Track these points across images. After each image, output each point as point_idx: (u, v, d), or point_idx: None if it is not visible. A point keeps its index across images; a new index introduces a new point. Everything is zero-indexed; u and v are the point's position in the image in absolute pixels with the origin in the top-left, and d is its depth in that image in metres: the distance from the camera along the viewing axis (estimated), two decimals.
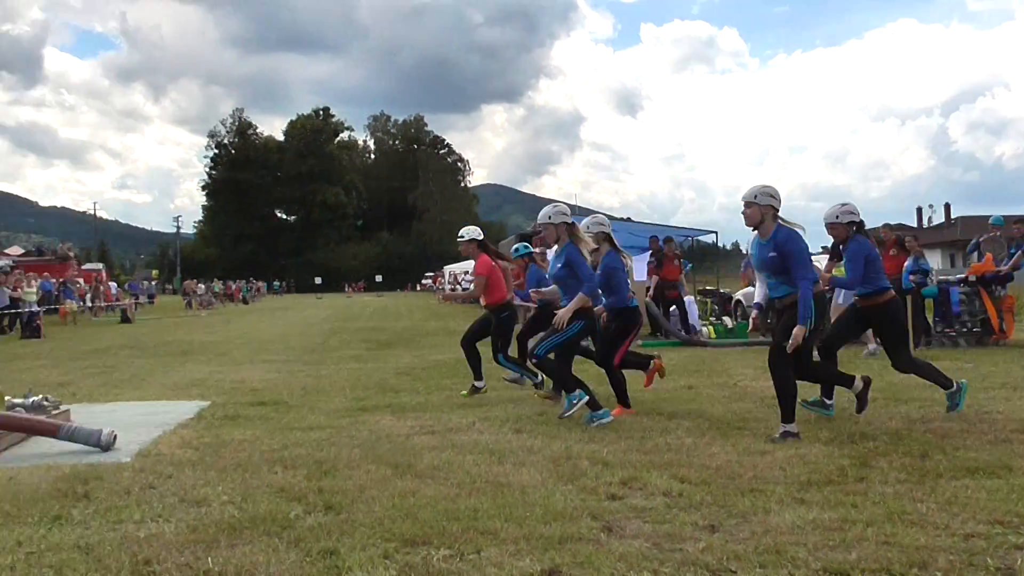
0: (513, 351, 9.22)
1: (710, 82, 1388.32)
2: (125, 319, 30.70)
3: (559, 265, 7.45)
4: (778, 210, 6.55)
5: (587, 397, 7.23)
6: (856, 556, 3.71)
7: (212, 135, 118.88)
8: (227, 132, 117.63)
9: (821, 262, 11.23)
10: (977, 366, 10.64)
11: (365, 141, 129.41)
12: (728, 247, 57.30)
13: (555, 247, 7.67)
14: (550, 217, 7.51)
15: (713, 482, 5.07)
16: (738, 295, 19.21)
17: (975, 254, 16.05)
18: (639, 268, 15.85)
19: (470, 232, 9.29)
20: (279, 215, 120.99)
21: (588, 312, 7.36)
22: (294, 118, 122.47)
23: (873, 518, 4.25)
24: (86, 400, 9.61)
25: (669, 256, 17.12)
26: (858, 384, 6.93)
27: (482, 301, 9.31)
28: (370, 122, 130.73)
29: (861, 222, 7.30)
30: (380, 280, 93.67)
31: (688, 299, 17.53)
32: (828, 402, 7.22)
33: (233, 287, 62.78)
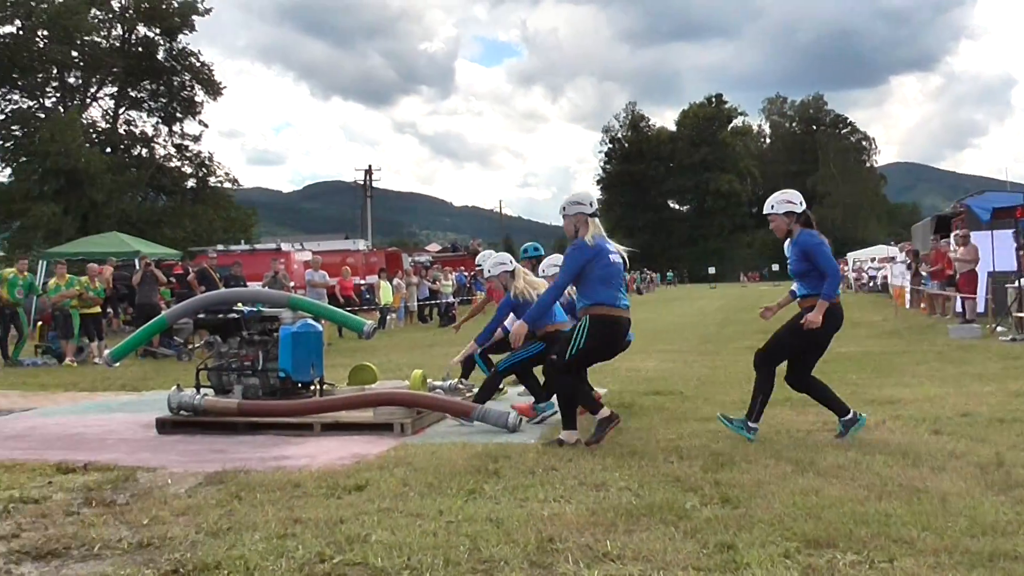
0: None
1: None
2: None
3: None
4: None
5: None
6: None
7: (606, 130, 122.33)
8: (620, 126, 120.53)
9: None
10: None
11: (759, 126, 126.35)
12: None
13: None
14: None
15: None
16: None
17: None
18: None
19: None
20: (671, 205, 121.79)
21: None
22: (686, 107, 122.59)
23: None
24: None
25: None
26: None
27: None
28: (765, 106, 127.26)
29: (804, 212, 6.39)
30: (776, 269, 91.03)
31: None
32: (752, 426, 6.31)
33: (627, 278, 64.29)
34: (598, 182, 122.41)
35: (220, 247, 28.43)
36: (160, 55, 47.68)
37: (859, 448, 5.84)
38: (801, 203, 6.40)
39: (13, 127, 44.14)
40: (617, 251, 6.62)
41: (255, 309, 8.31)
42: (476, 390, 8.14)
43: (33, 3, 43.45)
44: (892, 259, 35.43)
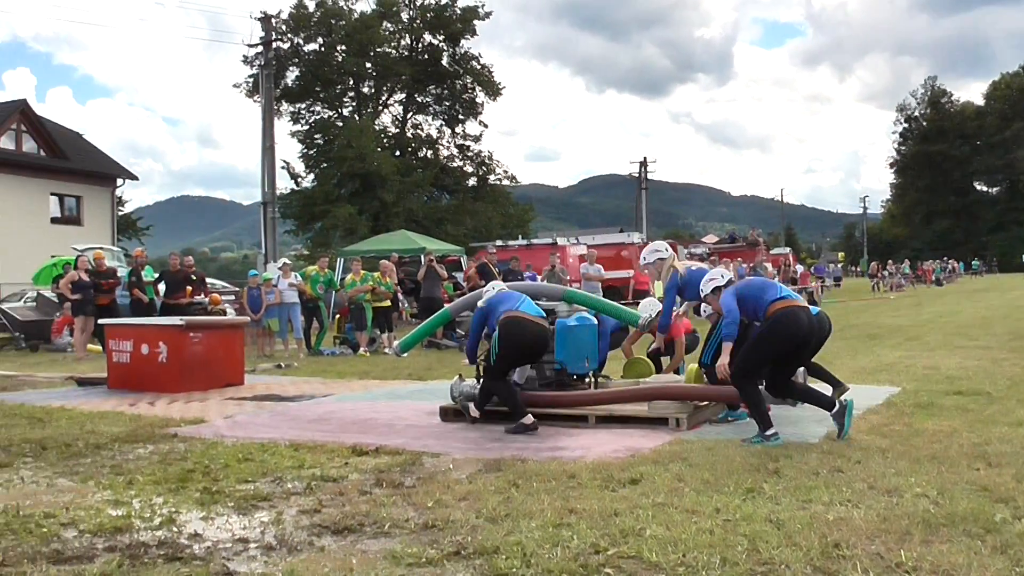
0: None
1: None
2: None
3: None
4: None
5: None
6: None
7: (901, 109, 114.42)
8: (917, 103, 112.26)
9: None
10: None
11: None
12: None
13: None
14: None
15: None
16: None
17: None
18: None
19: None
20: (978, 187, 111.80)
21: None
22: (996, 79, 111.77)
23: None
24: None
25: None
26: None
27: None
28: None
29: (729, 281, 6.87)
30: None
31: None
32: (769, 433, 6.16)
33: (925, 267, 60.13)
34: (891, 165, 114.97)
35: (499, 242, 29.47)
36: (444, 61, 50.15)
37: None
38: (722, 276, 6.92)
39: (315, 136, 48.13)
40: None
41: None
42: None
43: (333, 21, 47.16)
44: None
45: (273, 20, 32.11)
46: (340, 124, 47.93)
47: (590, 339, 8.26)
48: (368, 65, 48.33)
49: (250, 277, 17.10)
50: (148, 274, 16.97)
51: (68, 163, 37.03)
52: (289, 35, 46.32)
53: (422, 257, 20.01)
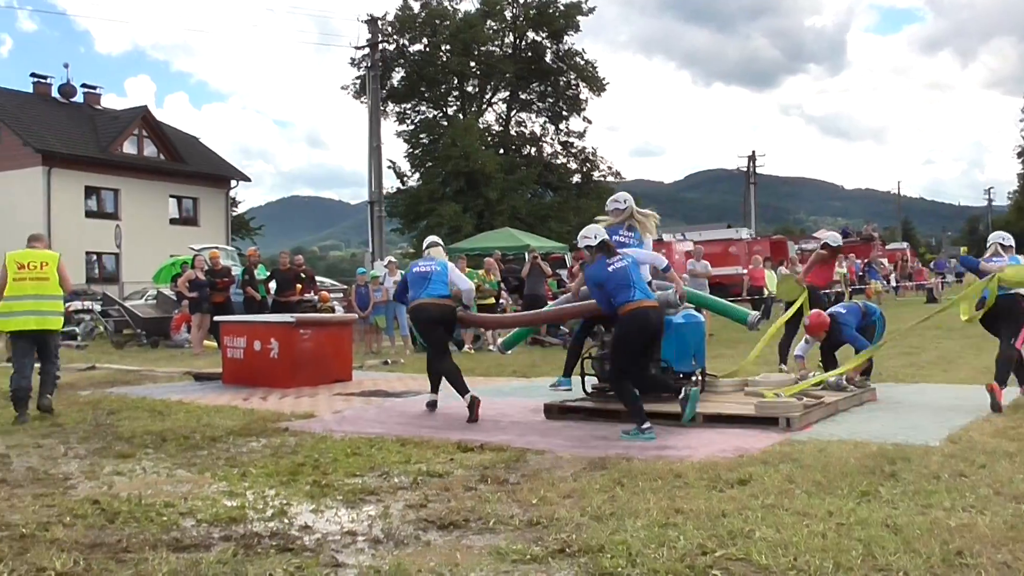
0: None
1: None
2: (931, 299, 30.18)
3: None
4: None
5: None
6: None
7: None
8: None
9: None
10: None
11: None
12: None
13: None
14: None
15: None
16: None
17: None
18: None
19: None
20: None
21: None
22: None
23: None
24: (891, 380, 9.62)
25: None
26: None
27: None
28: None
29: (602, 242, 7.21)
30: None
31: None
32: (645, 427, 6.62)
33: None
34: (1019, 154, 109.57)
35: None
36: (548, 57, 50.11)
37: None
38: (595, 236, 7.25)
39: (421, 135, 48.71)
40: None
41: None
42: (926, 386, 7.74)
43: (437, 21, 47.66)
44: None
45: (379, 22, 32.66)
46: (445, 123, 48.40)
47: (697, 337, 8.14)
48: (472, 64, 48.65)
49: (358, 275, 17.43)
50: (260, 273, 17.48)
51: (185, 166, 38.48)
52: (395, 36, 46.98)
53: (526, 254, 20.06)
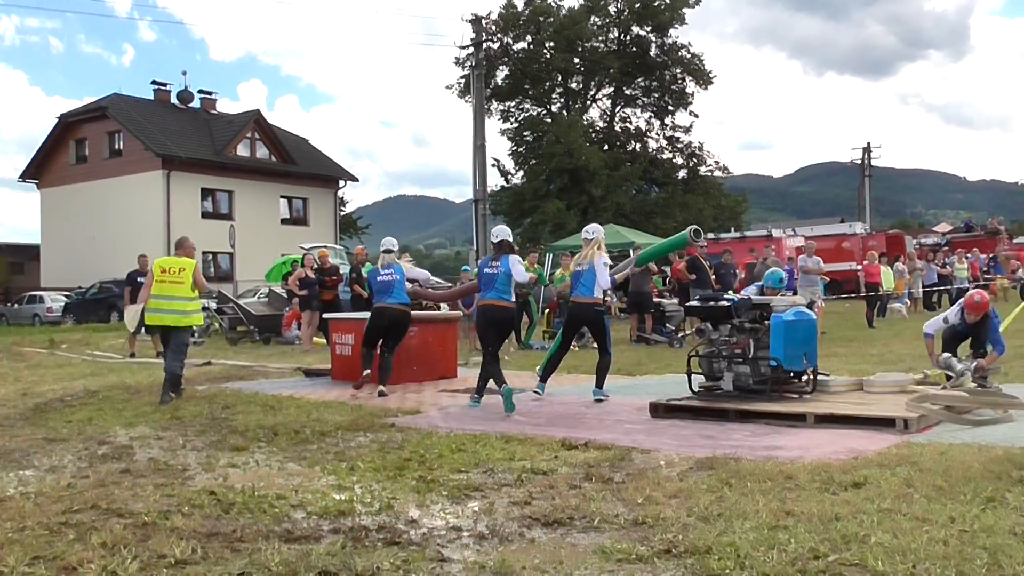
0: None
1: None
2: None
3: None
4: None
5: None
6: None
7: None
8: None
9: None
10: None
11: None
12: None
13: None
14: None
15: None
16: None
17: None
18: None
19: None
20: None
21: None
22: None
23: None
24: (1019, 381, 9.20)
25: None
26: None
27: None
28: None
29: (500, 242, 8.94)
30: None
31: None
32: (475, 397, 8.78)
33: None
34: None
35: (710, 235, 28.83)
36: (652, 52, 49.60)
37: None
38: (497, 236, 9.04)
39: (525, 133, 48.85)
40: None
41: (745, 297, 8.25)
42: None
43: (541, 19, 47.71)
44: None
45: (483, 21, 32.88)
46: (549, 120, 48.41)
47: (809, 335, 7.93)
48: (576, 60, 48.55)
49: (462, 272, 17.57)
50: (368, 271, 17.78)
51: (296, 167, 39.55)
52: (498, 35, 47.23)
53: (631, 251, 19.89)
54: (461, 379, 11.15)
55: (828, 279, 21.51)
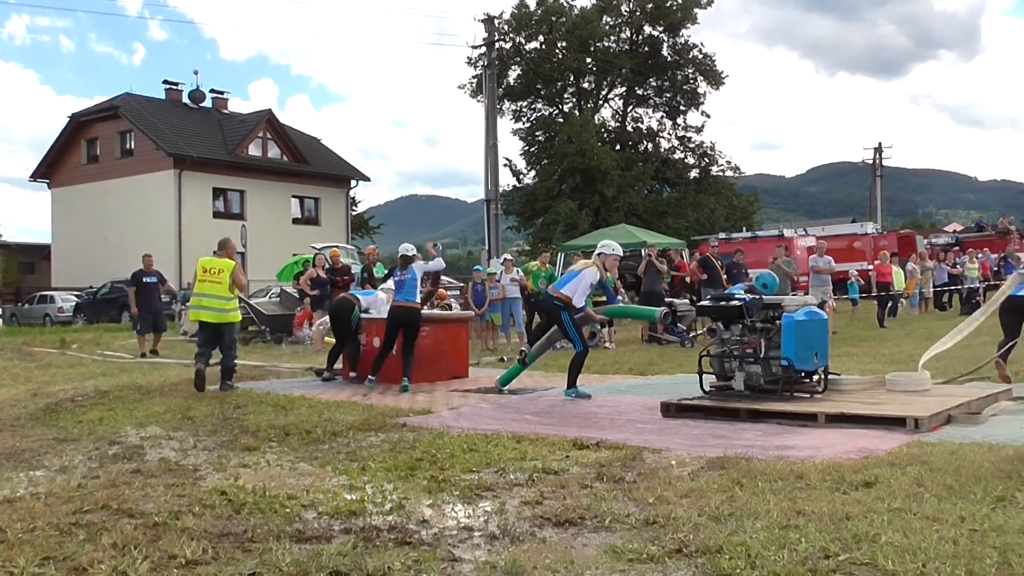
0: None
1: None
2: None
3: None
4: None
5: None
6: None
7: None
8: None
9: None
10: None
11: None
12: None
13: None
14: None
15: None
16: None
17: None
18: None
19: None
20: None
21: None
22: None
23: None
24: None
25: None
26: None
27: None
28: None
29: (403, 256, 10.52)
30: None
31: None
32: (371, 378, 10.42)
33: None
34: None
35: (722, 235, 28.74)
36: (664, 51, 49.49)
37: None
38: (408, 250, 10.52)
39: (537, 133, 48.83)
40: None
41: (757, 297, 8.24)
42: None
43: (553, 18, 47.68)
44: None
45: (496, 21, 32.89)
46: (561, 120, 48.36)
47: (820, 335, 7.92)
48: (588, 60, 48.49)
49: (474, 272, 17.59)
50: (379, 271, 17.80)
51: (307, 167, 39.63)
52: (511, 35, 47.22)
53: (642, 251, 19.87)
54: (473, 379, 11.18)
55: (862, 281, 21.57)
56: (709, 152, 50.25)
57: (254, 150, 38.53)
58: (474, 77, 45.49)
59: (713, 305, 8.51)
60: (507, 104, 48.54)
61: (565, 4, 48.38)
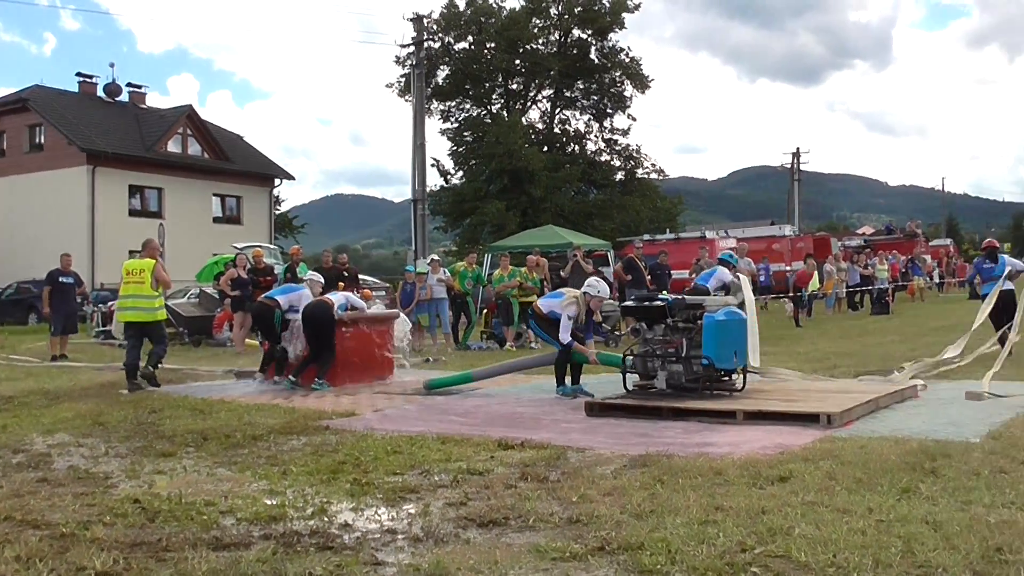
0: None
1: None
2: (974, 295, 29.63)
3: None
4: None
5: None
6: None
7: None
8: None
9: None
10: None
11: None
12: None
13: None
14: None
15: None
16: None
17: None
18: None
19: None
20: None
21: None
22: None
23: None
24: (933, 377, 9.49)
25: None
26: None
27: None
28: None
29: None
30: None
31: None
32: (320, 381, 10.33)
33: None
34: None
35: (646, 236, 29.08)
36: (592, 55, 49.82)
37: None
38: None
39: (465, 133, 48.77)
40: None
41: (679, 297, 8.37)
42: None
43: (483, 19, 47.65)
44: None
45: (424, 20, 32.72)
46: (489, 121, 48.36)
47: (739, 334, 8.08)
48: (517, 62, 48.57)
49: (406, 272, 17.51)
50: (303, 271, 17.59)
51: (229, 165, 38.85)
52: (440, 34, 47.06)
53: (568, 252, 20.01)
54: (397, 381, 11.11)
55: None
56: (635, 155, 50.78)
57: (173, 146, 37.63)
58: (402, 76, 45.28)
59: (637, 305, 8.62)
60: (435, 104, 48.34)
61: (494, 5, 48.46)
